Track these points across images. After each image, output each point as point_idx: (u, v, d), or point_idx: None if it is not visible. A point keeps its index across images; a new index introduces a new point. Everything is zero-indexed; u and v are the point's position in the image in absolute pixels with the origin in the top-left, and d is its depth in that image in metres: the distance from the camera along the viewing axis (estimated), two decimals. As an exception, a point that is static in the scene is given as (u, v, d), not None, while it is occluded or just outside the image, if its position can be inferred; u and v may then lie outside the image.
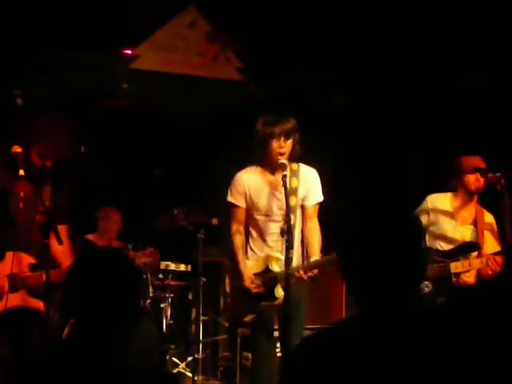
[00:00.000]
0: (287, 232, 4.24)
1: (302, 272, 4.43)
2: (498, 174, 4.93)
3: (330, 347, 1.86)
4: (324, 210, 4.77)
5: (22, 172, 4.24)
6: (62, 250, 4.36)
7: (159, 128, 8.02)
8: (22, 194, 4.39)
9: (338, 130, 7.65)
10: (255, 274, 4.63)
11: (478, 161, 5.03)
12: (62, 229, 4.33)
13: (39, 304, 4.28)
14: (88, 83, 7.47)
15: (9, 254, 4.29)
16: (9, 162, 4.29)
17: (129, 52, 7.43)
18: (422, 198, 5.21)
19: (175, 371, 6.69)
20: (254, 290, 4.56)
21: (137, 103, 8.05)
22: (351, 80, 7.50)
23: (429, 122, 7.22)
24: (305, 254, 4.68)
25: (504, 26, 6.46)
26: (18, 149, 4.29)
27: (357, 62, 7.33)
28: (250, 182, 4.68)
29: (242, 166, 4.86)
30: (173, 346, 6.89)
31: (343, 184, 7.13)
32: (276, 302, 4.53)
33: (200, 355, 6.48)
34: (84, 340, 2.27)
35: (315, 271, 4.48)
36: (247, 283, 4.58)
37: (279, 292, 4.50)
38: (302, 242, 4.71)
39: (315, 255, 4.56)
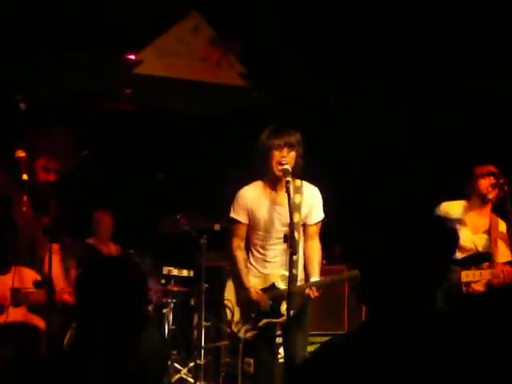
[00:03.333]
0: (290, 237, 4.23)
1: (311, 291, 4.47)
2: (501, 181, 4.93)
3: (337, 364, 1.84)
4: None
5: (25, 176, 4.28)
6: (55, 272, 4.33)
7: (162, 132, 8.03)
8: (25, 198, 4.38)
9: (339, 133, 7.70)
10: (261, 290, 4.63)
11: (490, 167, 5.03)
12: (55, 247, 4.36)
13: (38, 321, 4.30)
14: (91, 88, 7.49)
15: (12, 269, 4.29)
16: (12, 167, 4.32)
17: (132, 57, 7.47)
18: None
19: (177, 377, 6.70)
20: (263, 305, 4.57)
21: (140, 107, 8.06)
22: (351, 81, 7.53)
23: (428, 123, 7.29)
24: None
25: (504, 26, 6.50)
26: (21, 153, 4.32)
27: (356, 63, 7.37)
28: (252, 197, 4.67)
29: (244, 170, 4.84)
30: (175, 352, 6.89)
31: (342, 185, 7.15)
32: (281, 320, 4.55)
33: (202, 361, 6.47)
34: (92, 348, 2.29)
35: (320, 291, 4.52)
36: (254, 296, 4.58)
37: (284, 310, 4.49)
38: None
39: (315, 275, 4.58)
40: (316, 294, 4.48)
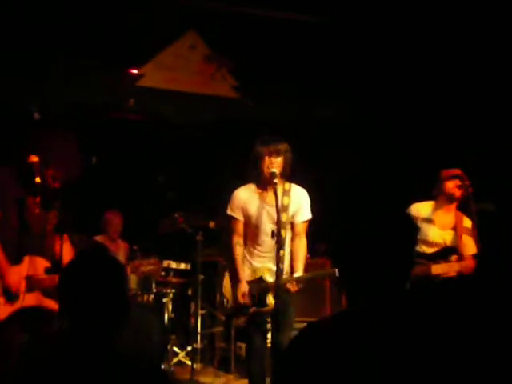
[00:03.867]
0: (277, 234, 4.57)
1: (291, 285, 4.80)
2: (466, 183, 5.20)
3: (320, 343, 1.89)
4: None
5: (38, 179, 4.55)
6: (67, 257, 4.48)
7: (162, 139, 8.28)
8: (37, 200, 4.67)
9: (328, 144, 7.86)
10: (250, 282, 4.91)
11: (455, 170, 5.29)
12: (65, 237, 4.64)
13: (53, 304, 4.55)
14: (98, 99, 7.76)
15: (26, 258, 4.58)
16: (25, 171, 4.57)
17: (135, 71, 7.77)
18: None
19: (176, 360, 6.92)
20: (246, 302, 4.87)
21: (142, 117, 8.32)
22: (340, 93, 7.68)
23: (415, 133, 7.41)
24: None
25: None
26: (34, 158, 4.59)
27: (345, 72, 7.50)
28: (245, 196, 5.00)
29: (235, 171, 5.23)
30: (174, 337, 7.10)
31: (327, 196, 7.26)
32: (266, 309, 4.84)
33: (198, 345, 6.73)
34: (79, 334, 2.32)
35: (300, 285, 4.86)
36: (240, 297, 4.86)
37: (270, 300, 4.80)
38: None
39: (298, 271, 4.86)
40: (295, 287, 4.78)
